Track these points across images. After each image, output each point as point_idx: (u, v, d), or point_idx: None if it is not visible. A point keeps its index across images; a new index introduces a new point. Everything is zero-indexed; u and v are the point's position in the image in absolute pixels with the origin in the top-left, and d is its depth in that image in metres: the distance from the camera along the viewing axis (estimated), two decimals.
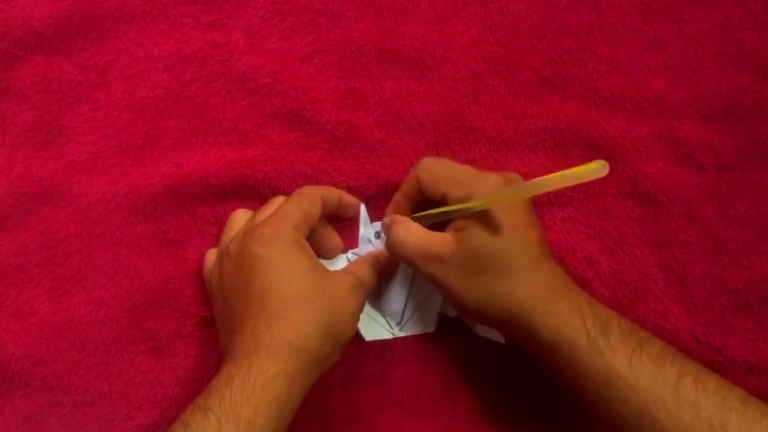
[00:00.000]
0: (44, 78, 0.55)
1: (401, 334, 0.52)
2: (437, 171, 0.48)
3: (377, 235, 0.53)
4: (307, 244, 0.47)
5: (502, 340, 0.51)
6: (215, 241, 0.53)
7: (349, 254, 0.53)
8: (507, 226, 0.45)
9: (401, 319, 0.52)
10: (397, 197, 0.51)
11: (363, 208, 0.54)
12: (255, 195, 0.54)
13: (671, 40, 0.55)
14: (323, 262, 0.49)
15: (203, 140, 0.54)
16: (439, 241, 0.46)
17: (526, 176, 0.53)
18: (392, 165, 0.54)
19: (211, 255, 0.51)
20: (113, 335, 0.53)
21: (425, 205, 0.49)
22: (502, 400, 0.52)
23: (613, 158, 0.54)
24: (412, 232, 0.47)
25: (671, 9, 0.55)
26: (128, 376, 0.52)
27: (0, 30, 0.55)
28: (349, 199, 0.53)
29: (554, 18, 0.55)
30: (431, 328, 0.52)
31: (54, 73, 0.55)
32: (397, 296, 0.52)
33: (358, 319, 0.47)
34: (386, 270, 0.52)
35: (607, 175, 0.41)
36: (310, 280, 0.45)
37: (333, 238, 0.53)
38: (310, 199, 0.49)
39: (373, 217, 0.54)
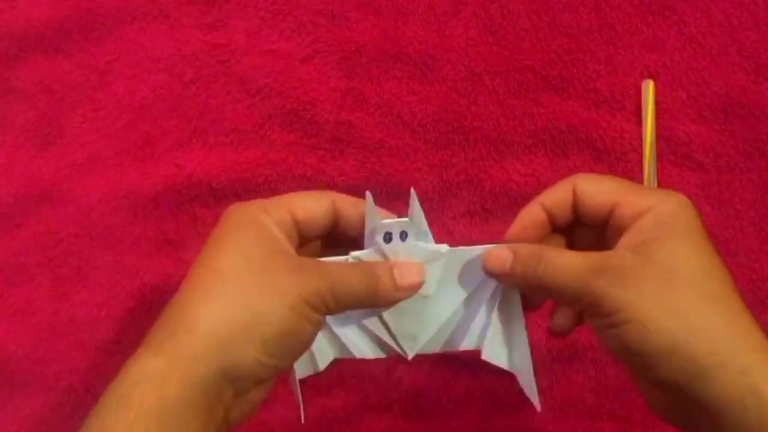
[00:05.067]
0: (45, 78, 0.55)
1: (412, 356, 0.44)
2: (602, 180, 0.40)
3: (387, 239, 0.41)
4: (276, 235, 0.38)
5: (513, 370, 0.43)
6: None
7: (350, 258, 0.41)
8: (701, 243, 0.37)
9: (415, 341, 0.43)
10: (533, 211, 0.40)
11: (369, 197, 0.40)
12: (255, 197, 0.53)
13: (671, 40, 0.55)
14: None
15: (203, 141, 0.55)
16: (616, 255, 0.37)
17: (528, 177, 0.53)
18: (392, 165, 0.54)
19: None
20: (113, 335, 0.53)
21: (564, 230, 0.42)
22: (502, 399, 0.52)
23: (612, 158, 0.54)
24: (567, 253, 0.38)
25: (671, 9, 0.55)
26: None
27: (0, 30, 0.55)
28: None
29: (554, 19, 0.55)
30: (437, 349, 0.44)
31: (54, 73, 0.55)
32: (412, 315, 0.42)
33: (295, 319, 0.36)
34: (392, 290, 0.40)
35: None
36: (248, 253, 0.37)
37: (356, 208, 0.42)
38: (314, 200, 0.41)
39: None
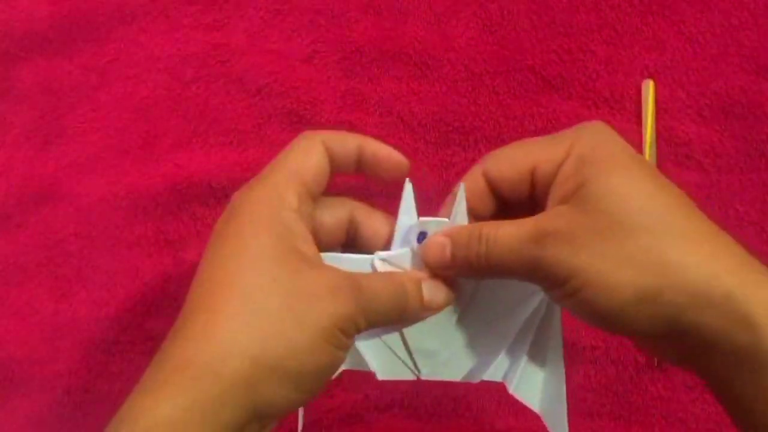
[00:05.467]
0: (45, 78, 0.55)
1: (425, 377, 0.39)
2: (508, 151, 0.36)
3: (421, 238, 0.36)
4: (299, 235, 0.34)
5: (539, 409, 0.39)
6: None
7: (377, 259, 0.36)
8: (642, 179, 0.33)
9: (433, 359, 0.38)
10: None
11: (408, 186, 0.36)
12: None
13: (670, 40, 0.55)
14: (340, 260, 0.36)
15: (203, 141, 0.54)
16: (551, 216, 0.33)
17: None
18: None
19: None
20: (113, 335, 0.53)
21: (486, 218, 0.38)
22: (501, 399, 0.52)
23: None
24: (504, 225, 0.34)
25: (671, 9, 0.55)
26: (128, 376, 0.52)
27: (0, 30, 0.55)
28: (381, 150, 0.37)
29: (554, 18, 0.55)
30: (458, 378, 0.39)
31: (54, 73, 0.55)
32: (434, 331, 0.38)
33: (330, 351, 0.33)
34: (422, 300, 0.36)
35: None
36: (273, 265, 0.32)
37: (374, 221, 0.38)
38: (314, 154, 0.36)
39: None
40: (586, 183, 0.32)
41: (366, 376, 0.52)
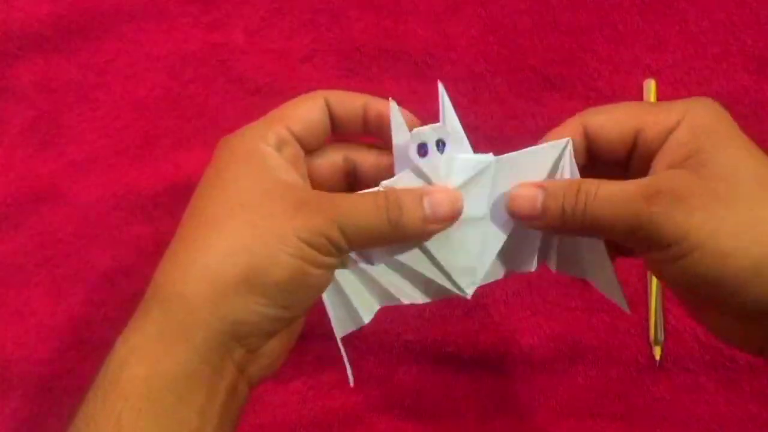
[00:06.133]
0: (43, 77, 0.55)
1: (471, 293, 0.38)
2: (615, 109, 0.35)
3: (422, 151, 0.34)
4: (277, 166, 0.34)
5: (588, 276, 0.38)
6: None
7: (381, 187, 0.35)
8: (757, 154, 0.33)
9: (473, 274, 0.37)
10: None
11: (393, 104, 0.35)
12: None
13: (672, 39, 0.55)
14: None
15: (203, 140, 0.54)
16: (664, 176, 0.32)
17: None
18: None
19: None
20: (113, 335, 0.52)
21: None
22: (502, 399, 0.52)
23: None
24: (605, 182, 0.32)
25: (672, 8, 0.55)
26: None
27: None
28: (387, 109, 0.36)
29: (555, 17, 0.55)
30: (531, 267, 0.38)
31: (53, 72, 0.55)
32: (467, 244, 0.36)
33: (297, 264, 0.32)
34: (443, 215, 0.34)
35: None
36: (244, 193, 0.32)
37: (370, 156, 0.37)
38: (308, 105, 0.36)
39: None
40: (702, 151, 0.31)
41: (367, 377, 0.52)
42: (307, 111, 0.36)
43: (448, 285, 0.37)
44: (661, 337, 0.51)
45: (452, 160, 0.34)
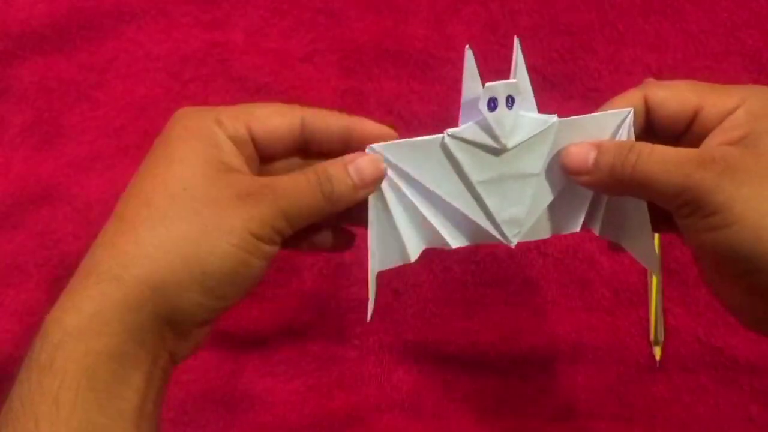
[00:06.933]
0: (43, 77, 0.55)
1: (516, 242, 0.38)
2: (677, 86, 0.35)
3: (492, 105, 0.35)
4: (225, 152, 0.33)
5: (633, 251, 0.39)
6: None
7: (446, 137, 0.36)
8: None
9: (521, 226, 0.38)
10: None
11: (469, 53, 0.35)
12: None
13: (673, 39, 0.55)
14: (400, 147, 0.36)
15: None
16: (718, 148, 0.33)
17: None
18: None
19: None
20: None
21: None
22: (502, 400, 0.52)
23: None
24: (660, 145, 0.33)
25: (673, 8, 0.55)
26: None
27: None
28: (374, 130, 0.36)
29: (556, 17, 0.55)
30: (546, 236, 0.39)
31: (52, 72, 0.55)
32: (519, 197, 0.37)
33: (239, 256, 0.32)
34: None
35: None
36: (189, 176, 0.32)
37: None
38: (279, 115, 0.35)
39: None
40: (755, 133, 0.32)
41: (366, 377, 0.52)
42: (276, 121, 0.35)
43: (494, 231, 0.38)
44: (661, 337, 0.51)
45: (518, 117, 0.35)
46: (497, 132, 0.35)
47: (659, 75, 0.54)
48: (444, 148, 0.36)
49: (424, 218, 0.38)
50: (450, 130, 0.36)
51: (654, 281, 0.52)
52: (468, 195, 0.37)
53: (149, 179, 0.33)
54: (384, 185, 0.36)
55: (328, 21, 0.56)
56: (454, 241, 0.38)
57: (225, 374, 0.52)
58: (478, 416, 0.52)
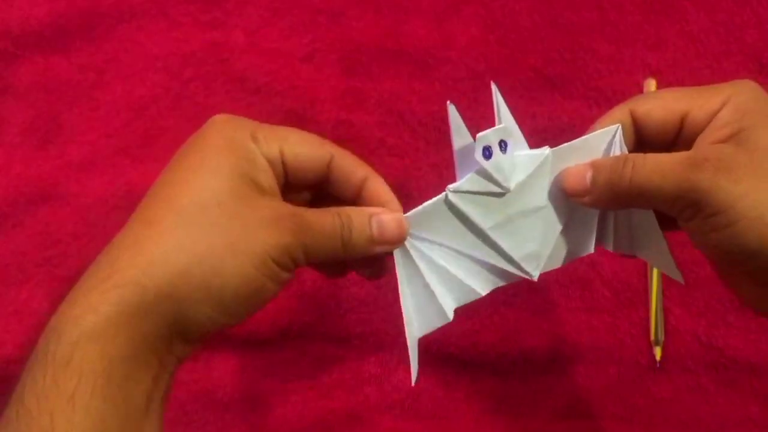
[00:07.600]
0: (43, 77, 0.55)
1: (537, 276, 0.39)
2: (662, 95, 0.36)
3: (487, 153, 0.35)
4: (259, 169, 0.33)
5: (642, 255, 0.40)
6: None
7: (449, 193, 0.36)
8: None
9: (538, 259, 0.39)
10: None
11: (452, 109, 0.35)
12: None
13: (673, 38, 0.55)
14: (417, 215, 0.36)
15: None
16: (710, 148, 0.33)
17: None
18: (392, 164, 0.54)
19: None
20: None
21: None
22: (502, 400, 0.52)
23: None
24: (652, 154, 0.34)
25: (673, 8, 0.55)
26: None
27: None
28: (383, 192, 0.36)
29: (556, 17, 0.55)
30: (559, 264, 0.40)
31: (52, 72, 0.55)
32: (531, 233, 0.38)
33: (258, 279, 0.32)
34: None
35: None
36: (221, 188, 0.32)
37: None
38: (312, 146, 0.36)
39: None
40: (744, 129, 0.32)
41: (366, 377, 0.52)
42: (308, 152, 0.35)
43: (515, 270, 0.38)
44: (661, 337, 0.51)
45: (516, 158, 0.36)
46: (498, 178, 0.36)
47: (659, 75, 0.54)
48: (449, 204, 0.37)
49: (450, 273, 0.38)
50: (451, 186, 0.36)
51: (654, 281, 0.52)
52: (483, 242, 0.38)
53: (179, 185, 0.32)
54: (409, 248, 0.37)
55: (328, 21, 0.55)
56: (483, 288, 0.39)
57: (225, 374, 0.52)
58: (478, 416, 0.52)
